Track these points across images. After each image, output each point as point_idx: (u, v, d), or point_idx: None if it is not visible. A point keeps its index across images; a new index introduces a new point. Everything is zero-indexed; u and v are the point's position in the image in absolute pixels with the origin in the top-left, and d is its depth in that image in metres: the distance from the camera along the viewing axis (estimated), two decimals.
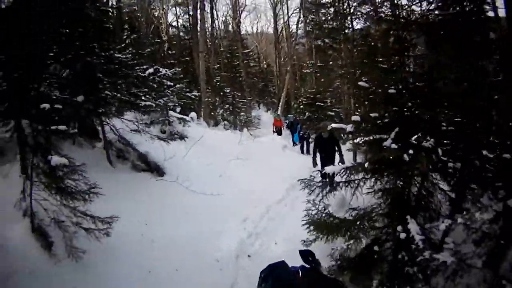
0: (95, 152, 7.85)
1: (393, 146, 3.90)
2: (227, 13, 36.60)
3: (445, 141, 4.00)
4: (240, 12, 35.61)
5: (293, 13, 30.35)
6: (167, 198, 7.26)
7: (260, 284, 2.40)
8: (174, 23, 32.29)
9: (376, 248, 4.20)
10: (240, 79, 30.35)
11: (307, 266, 2.52)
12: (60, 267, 4.38)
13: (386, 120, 4.26)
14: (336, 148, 9.71)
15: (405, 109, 4.14)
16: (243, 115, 22.71)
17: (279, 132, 19.23)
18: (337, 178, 4.81)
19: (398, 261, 4.01)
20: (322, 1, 18.42)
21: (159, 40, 22.80)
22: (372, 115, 4.29)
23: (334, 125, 7.98)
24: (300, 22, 29.00)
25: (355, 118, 4.60)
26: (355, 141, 5.02)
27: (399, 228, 3.95)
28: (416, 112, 4.10)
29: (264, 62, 44.17)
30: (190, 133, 11.45)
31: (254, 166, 10.87)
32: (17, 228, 4.40)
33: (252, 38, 44.51)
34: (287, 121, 19.28)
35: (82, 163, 4.82)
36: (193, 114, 14.82)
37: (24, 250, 4.26)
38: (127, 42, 13.30)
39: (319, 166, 9.08)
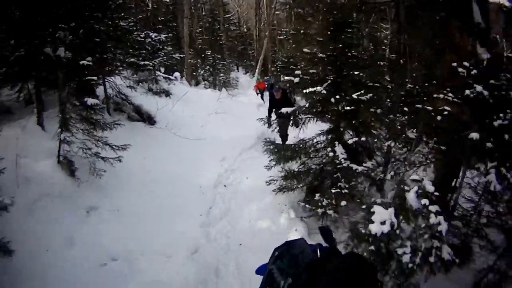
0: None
1: (323, 92, 5.51)
2: None
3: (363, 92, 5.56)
4: None
5: None
6: (159, 141, 8.76)
7: (274, 262, 2.26)
8: None
9: (317, 167, 5.88)
10: (221, 42, 31.18)
11: (324, 245, 2.31)
12: (81, 188, 5.70)
13: (320, 75, 5.92)
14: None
15: (337, 68, 5.77)
16: (222, 76, 23.78)
17: (262, 94, 20.01)
18: None
19: (334, 177, 5.63)
20: None
21: (149, 8, 23.49)
22: (311, 71, 5.95)
23: (286, 77, 9.13)
24: None
25: (298, 72, 6.17)
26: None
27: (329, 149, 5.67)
28: (344, 72, 5.74)
29: (245, 26, 44.42)
30: (175, 91, 12.92)
31: (231, 119, 12.30)
32: (46, 163, 5.61)
33: (234, 2, 44.53)
34: (267, 83, 19.93)
35: None
36: (177, 74, 16.15)
37: (52, 178, 5.48)
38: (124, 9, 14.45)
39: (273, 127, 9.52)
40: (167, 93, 12.49)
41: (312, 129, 6.30)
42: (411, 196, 3.64)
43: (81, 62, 6.52)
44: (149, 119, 9.85)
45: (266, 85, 19.40)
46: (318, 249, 2.18)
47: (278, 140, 8.69)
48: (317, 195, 5.58)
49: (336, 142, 5.65)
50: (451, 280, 4.37)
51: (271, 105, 10.04)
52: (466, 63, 4.55)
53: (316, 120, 6.17)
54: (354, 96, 5.33)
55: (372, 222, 3.58)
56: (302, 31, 6.71)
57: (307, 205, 5.79)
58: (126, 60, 9.74)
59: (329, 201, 5.22)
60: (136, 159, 7.14)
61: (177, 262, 4.83)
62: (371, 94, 5.41)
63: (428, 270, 3.86)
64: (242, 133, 10.42)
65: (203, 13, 35.02)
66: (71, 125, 5.86)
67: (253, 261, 4.66)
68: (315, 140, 6.05)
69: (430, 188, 3.67)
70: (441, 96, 4.53)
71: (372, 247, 3.68)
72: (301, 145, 6.09)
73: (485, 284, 4.20)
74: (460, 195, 4.60)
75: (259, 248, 4.91)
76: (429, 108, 4.58)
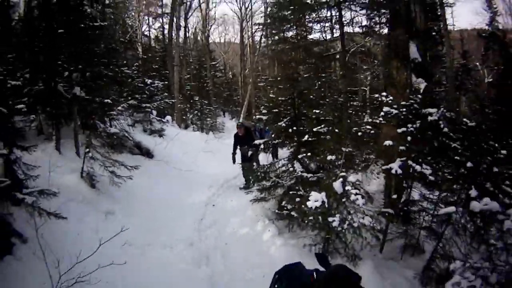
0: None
1: (283, 125, 7.56)
2: (197, 24, 39.25)
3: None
4: (210, 26, 38.28)
5: (257, 29, 32.38)
6: (157, 170, 10.59)
7: (274, 284, 2.52)
8: (146, 33, 34.98)
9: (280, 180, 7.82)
10: (207, 88, 33.26)
11: (321, 269, 2.51)
12: (100, 197, 7.44)
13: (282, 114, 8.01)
14: (251, 149, 10.52)
15: (294, 108, 7.82)
16: (209, 120, 25.71)
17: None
18: None
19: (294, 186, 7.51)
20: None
21: (145, 56, 25.55)
22: (274, 110, 8.08)
23: (258, 116, 11.07)
24: (263, 38, 30.80)
25: (265, 111, 8.32)
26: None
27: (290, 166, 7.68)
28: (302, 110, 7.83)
29: (230, 73, 46.62)
30: (167, 132, 14.96)
31: (217, 157, 14.16)
32: (70, 177, 7.36)
33: (220, 48, 47.08)
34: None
35: None
36: (168, 117, 18.14)
37: (76, 188, 7.17)
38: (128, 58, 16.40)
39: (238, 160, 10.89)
40: (161, 134, 14.46)
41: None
42: (337, 184, 5.51)
43: (97, 99, 8.50)
44: (147, 154, 11.62)
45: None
46: (315, 273, 2.40)
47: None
48: (284, 202, 7.41)
49: (295, 161, 7.60)
50: (403, 266, 6.13)
51: (235, 142, 11.09)
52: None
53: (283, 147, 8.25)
54: (307, 129, 7.45)
55: (303, 196, 5.46)
56: (269, 80, 9.07)
57: (277, 211, 7.58)
58: (128, 102, 11.69)
59: (293, 206, 7.04)
60: (141, 180, 8.90)
61: (178, 251, 6.58)
62: (323, 126, 7.40)
63: (364, 242, 5.75)
64: (226, 168, 11.96)
65: (191, 60, 37.09)
66: (93, 148, 7.78)
67: (235, 254, 6.52)
68: (281, 163, 8.04)
69: (352, 179, 5.58)
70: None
71: (311, 218, 5.58)
72: (271, 167, 8.07)
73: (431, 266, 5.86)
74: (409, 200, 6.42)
75: (240, 246, 6.93)
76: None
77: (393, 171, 5.80)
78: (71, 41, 8.35)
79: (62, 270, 4.03)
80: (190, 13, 31.90)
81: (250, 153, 10.53)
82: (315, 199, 5.49)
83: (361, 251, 5.91)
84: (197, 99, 26.54)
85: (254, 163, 10.70)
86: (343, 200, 5.64)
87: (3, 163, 5.31)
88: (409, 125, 5.95)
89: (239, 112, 33.57)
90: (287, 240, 6.92)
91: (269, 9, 25.83)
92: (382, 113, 6.38)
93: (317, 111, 7.86)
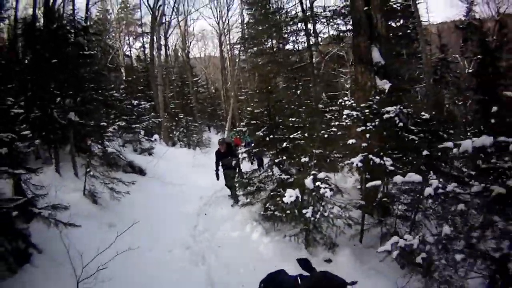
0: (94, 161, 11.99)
1: (261, 134, 8.51)
2: (177, 41, 40.50)
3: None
4: (189, 43, 39.89)
5: (236, 43, 33.41)
6: (151, 186, 11.43)
7: None
8: (128, 52, 36.47)
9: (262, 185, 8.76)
10: (191, 105, 34.21)
11: (305, 273, 2.59)
12: (102, 211, 8.28)
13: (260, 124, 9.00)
14: (233, 159, 10.79)
15: (270, 118, 8.78)
16: (195, 136, 26.57)
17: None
18: None
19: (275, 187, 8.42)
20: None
21: (129, 78, 26.49)
22: (252, 121, 9.03)
23: (238, 128, 12.06)
24: (241, 52, 32.34)
25: (243, 123, 9.34)
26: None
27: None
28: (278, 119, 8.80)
29: (212, 87, 47.99)
30: (156, 150, 15.87)
31: (205, 171, 14.95)
32: (74, 195, 8.18)
33: (200, 63, 48.27)
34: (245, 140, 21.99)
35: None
36: (156, 136, 19.07)
37: (80, 204, 7.98)
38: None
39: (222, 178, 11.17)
40: (150, 152, 15.35)
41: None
42: (308, 181, 6.43)
43: (91, 123, 9.37)
44: (140, 171, 12.47)
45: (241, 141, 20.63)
46: (299, 278, 2.49)
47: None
48: (268, 204, 8.31)
49: (274, 165, 8.56)
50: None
51: (217, 159, 11.26)
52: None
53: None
54: (284, 136, 8.42)
55: (284, 196, 6.37)
56: (249, 93, 10.12)
57: (262, 213, 8.49)
58: (117, 123, 12.54)
59: (275, 206, 7.93)
60: (137, 195, 9.71)
61: (176, 253, 7.43)
62: (299, 132, 8.35)
63: (338, 231, 6.68)
64: (214, 181, 12.11)
65: (173, 78, 38.17)
66: (93, 167, 8.65)
67: (227, 253, 7.39)
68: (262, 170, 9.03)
69: (321, 176, 6.51)
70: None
71: (288, 212, 6.53)
72: (253, 173, 9.04)
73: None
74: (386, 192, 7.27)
75: (232, 246, 7.88)
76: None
77: (354, 165, 6.72)
78: (61, 68, 9.14)
79: (78, 269, 4.82)
80: (169, 32, 33.05)
81: (234, 162, 10.75)
82: (290, 195, 6.40)
83: (336, 238, 6.88)
84: (182, 116, 27.48)
85: (237, 172, 11.20)
86: (314, 193, 6.57)
87: (14, 183, 6.09)
88: (368, 124, 6.89)
89: (224, 126, 34.49)
90: (273, 238, 7.80)
91: (245, 24, 26.97)
92: (344, 116, 7.36)
93: (293, 119, 8.83)
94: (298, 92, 16.19)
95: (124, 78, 29.37)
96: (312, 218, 6.51)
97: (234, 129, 25.50)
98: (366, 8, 8.77)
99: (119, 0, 36.50)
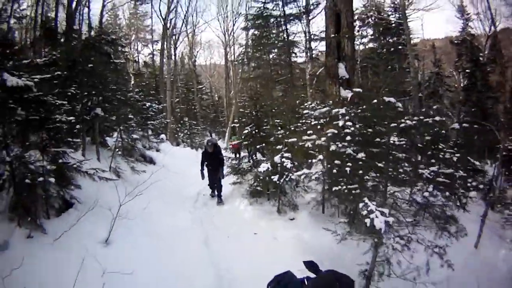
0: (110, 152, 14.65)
1: (248, 130, 11.34)
2: (184, 50, 42.92)
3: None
4: (196, 52, 42.31)
5: (239, 55, 35.62)
6: (160, 172, 13.98)
7: None
8: (135, 58, 38.87)
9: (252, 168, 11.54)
10: (195, 111, 36.99)
11: (311, 275, 2.63)
12: (124, 183, 10.59)
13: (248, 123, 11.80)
14: (219, 162, 11.94)
15: (257, 118, 11.56)
16: (197, 139, 29.31)
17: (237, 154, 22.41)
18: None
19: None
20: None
21: (140, 83, 29.19)
22: (243, 120, 11.83)
23: (232, 124, 14.96)
24: (244, 63, 34.17)
25: (236, 121, 12.13)
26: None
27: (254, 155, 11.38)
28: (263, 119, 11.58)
29: (216, 95, 50.66)
30: (163, 147, 18.68)
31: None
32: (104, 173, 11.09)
33: (206, 71, 51.08)
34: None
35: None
36: (162, 136, 21.86)
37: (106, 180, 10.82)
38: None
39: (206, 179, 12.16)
40: (158, 149, 18.09)
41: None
42: (277, 158, 9.25)
43: (113, 118, 12.11)
44: (151, 161, 15.11)
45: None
46: (305, 279, 2.53)
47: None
48: (254, 183, 10.99)
49: (257, 152, 11.40)
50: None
51: (204, 158, 12.08)
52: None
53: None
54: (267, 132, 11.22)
55: (259, 167, 9.14)
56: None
57: (248, 189, 11.19)
58: (136, 119, 15.25)
59: (258, 184, 10.67)
60: (149, 175, 12.41)
61: (181, 216, 10.06)
62: (280, 129, 11.11)
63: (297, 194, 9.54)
64: None
65: (179, 84, 40.62)
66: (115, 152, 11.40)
67: (220, 219, 10.20)
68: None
69: (286, 155, 9.27)
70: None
71: (261, 177, 9.36)
72: (243, 160, 11.86)
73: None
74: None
75: (223, 215, 10.73)
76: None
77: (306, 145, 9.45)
78: (92, 73, 11.75)
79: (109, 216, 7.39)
80: (179, 43, 35.55)
81: (221, 170, 11.88)
82: (264, 167, 9.32)
83: (297, 200, 10.03)
84: (186, 119, 30.29)
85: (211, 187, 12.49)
86: (279, 166, 9.41)
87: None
88: (322, 121, 9.66)
89: (225, 132, 36.73)
90: (255, 207, 10.49)
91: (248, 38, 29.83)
92: (305, 115, 10.12)
93: (277, 120, 11.65)
94: (285, 99, 19.09)
95: (132, 82, 31.70)
96: (278, 182, 9.38)
97: (235, 136, 28.06)
98: (333, 35, 11.69)
99: (131, 6, 38.69)
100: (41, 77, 7.40)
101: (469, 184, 12.70)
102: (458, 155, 12.88)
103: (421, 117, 6.76)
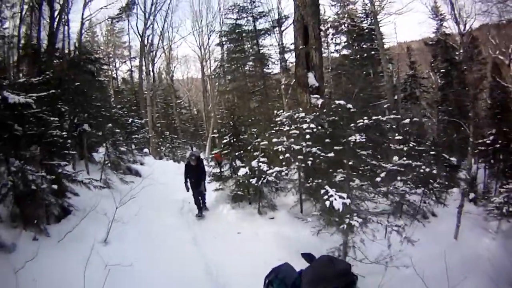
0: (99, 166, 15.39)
1: (227, 139, 12.24)
2: (161, 65, 43.04)
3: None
4: (173, 67, 43.48)
5: (216, 68, 35.73)
6: (147, 183, 14.72)
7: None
8: (113, 75, 39.37)
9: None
10: (175, 125, 37.76)
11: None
12: (114, 192, 11.22)
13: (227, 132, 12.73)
14: (202, 175, 12.24)
15: (235, 129, 12.50)
16: (179, 152, 30.15)
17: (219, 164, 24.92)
18: None
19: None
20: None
21: (112, 97, 29.92)
22: (222, 129, 12.74)
23: (212, 135, 15.97)
24: (220, 76, 34.60)
25: (215, 131, 13.06)
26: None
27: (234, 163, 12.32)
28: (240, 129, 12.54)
29: (195, 109, 51.29)
30: (146, 161, 19.47)
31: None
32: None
33: (183, 86, 51.99)
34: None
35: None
36: (146, 150, 22.67)
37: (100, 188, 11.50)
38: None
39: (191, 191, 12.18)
40: (142, 162, 18.85)
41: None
42: (254, 162, 10.33)
43: (98, 133, 12.91)
44: (136, 173, 15.89)
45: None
46: (303, 271, 2.34)
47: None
48: (235, 188, 11.90)
49: (236, 159, 12.32)
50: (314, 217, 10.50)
51: (186, 172, 12.28)
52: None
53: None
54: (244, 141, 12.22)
55: (239, 172, 10.09)
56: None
57: (229, 194, 12.18)
58: (119, 136, 16.04)
59: (239, 189, 11.60)
60: (137, 185, 13.21)
61: (170, 220, 11.02)
62: (256, 137, 12.01)
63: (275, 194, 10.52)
64: None
65: (158, 100, 41.23)
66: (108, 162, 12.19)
67: (205, 222, 11.03)
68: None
69: (262, 160, 10.20)
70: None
71: (241, 180, 10.48)
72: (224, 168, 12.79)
73: None
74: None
75: (208, 219, 11.85)
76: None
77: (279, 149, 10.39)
78: (80, 91, 12.58)
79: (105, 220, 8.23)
80: (156, 59, 36.59)
81: (203, 184, 12.11)
82: (243, 171, 10.37)
83: (275, 200, 11.03)
84: (167, 134, 31.11)
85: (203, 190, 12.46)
86: (256, 169, 10.37)
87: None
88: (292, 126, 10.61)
89: (205, 145, 36.99)
90: (237, 211, 11.44)
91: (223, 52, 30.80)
92: (278, 121, 11.05)
93: (254, 129, 12.56)
94: (261, 109, 20.13)
95: (112, 99, 32.27)
96: (256, 184, 10.34)
97: (215, 148, 28.95)
98: (301, 47, 12.77)
99: (108, 22, 38.63)
100: (37, 95, 8.19)
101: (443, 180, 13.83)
102: (433, 152, 13.99)
103: (376, 117, 7.61)
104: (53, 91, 9.89)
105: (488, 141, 19.43)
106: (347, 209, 6.59)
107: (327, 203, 6.44)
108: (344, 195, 6.50)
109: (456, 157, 21.77)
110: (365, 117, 7.46)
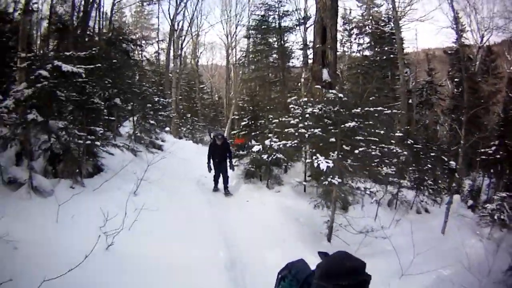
0: (123, 138, 16.74)
1: (246, 121, 13.67)
2: (187, 49, 44.30)
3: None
4: (199, 53, 44.88)
5: (241, 57, 36.79)
6: (168, 157, 16.21)
7: (278, 284, 2.55)
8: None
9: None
10: (197, 108, 39.25)
11: None
12: (140, 159, 12.89)
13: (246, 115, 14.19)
14: (228, 154, 12.55)
15: (254, 112, 13.95)
16: (198, 134, 31.69)
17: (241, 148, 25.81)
18: None
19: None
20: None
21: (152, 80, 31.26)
22: (241, 112, 14.15)
23: (232, 116, 17.62)
24: (245, 65, 35.07)
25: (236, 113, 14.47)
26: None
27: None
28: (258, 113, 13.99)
29: (216, 95, 52.97)
30: (167, 139, 20.98)
31: (205, 157, 20.06)
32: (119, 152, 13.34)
33: (207, 72, 53.33)
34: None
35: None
36: (167, 128, 24.21)
37: (127, 155, 12.61)
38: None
39: (213, 171, 12.79)
40: (163, 139, 20.31)
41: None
42: (267, 141, 11.75)
43: (128, 107, 14.39)
44: (159, 148, 17.30)
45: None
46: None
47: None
48: (249, 165, 13.41)
49: (252, 139, 13.77)
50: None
51: (212, 151, 12.66)
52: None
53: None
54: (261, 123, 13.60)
55: (253, 148, 11.51)
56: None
57: (243, 171, 13.69)
58: (149, 110, 17.52)
59: (252, 165, 13.08)
60: (159, 161, 14.62)
61: (191, 190, 12.41)
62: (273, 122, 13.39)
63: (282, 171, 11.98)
64: None
65: (181, 83, 42.49)
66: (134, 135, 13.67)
67: (219, 195, 12.35)
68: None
69: (275, 139, 11.63)
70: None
71: (254, 156, 12.02)
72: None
73: None
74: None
75: (222, 189, 12.66)
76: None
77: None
78: (116, 68, 14.09)
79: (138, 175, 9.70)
80: (185, 43, 38.28)
81: (228, 161, 12.63)
82: (256, 148, 11.87)
83: (282, 176, 12.56)
84: (189, 116, 32.64)
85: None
86: (268, 147, 11.85)
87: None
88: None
89: (224, 131, 38.14)
90: (248, 185, 13.05)
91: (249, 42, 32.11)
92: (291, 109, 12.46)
93: (271, 116, 14.00)
94: (280, 99, 21.67)
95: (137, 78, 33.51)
96: (267, 160, 12.01)
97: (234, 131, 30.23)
98: (318, 45, 14.26)
99: (137, 4, 40.36)
100: (85, 67, 9.56)
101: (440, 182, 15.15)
102: (433, 154, 15.34)
103: (368, 109, 9.02)
104: (99, 65, 11.26)
105: (490, 151, 20.26)
106: (330, 171, 8.26)
107: (315, 164, 8.22)
108: (330, 160, 8.23)
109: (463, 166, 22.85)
110: (359, 108, 8.83)
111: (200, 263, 6.88)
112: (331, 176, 8.44)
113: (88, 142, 9.34)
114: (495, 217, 13.40)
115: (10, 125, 8.65)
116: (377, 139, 9.14)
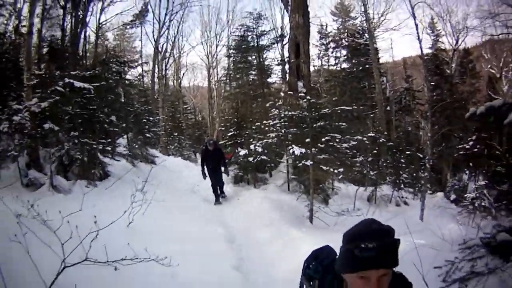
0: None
1: (231, 131, 15.27)
2: (169, 70, 44.62)
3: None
4: (182, 74, 46.61)
5: (222, 76, 40.06)
6: (160, 170, 17.57)
7: (304, 272, 2.54)
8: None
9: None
10: (182, 128, 40.61)
11: None
12: (138, 171, 14.36)
13: (231, 126, 15.87)
14: (222, 161, 12.98)
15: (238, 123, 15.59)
16: (186, 152, 33.10)
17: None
18: None
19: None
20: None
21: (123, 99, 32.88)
22: (227, 124, 15.80)
23: (218, 128, 19.38)
24: (226, 83, 38.26)
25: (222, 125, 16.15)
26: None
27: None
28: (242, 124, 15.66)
29: (199, 115, 54.36)
30: (159, 155, 22.48)
31: (194, 171, 21.26)
32: (122, 161, 14.68)
33: (189, 92, 54.92)
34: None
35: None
36: (156, 148, 25.75)
37: (126, 166, 14.16)
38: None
39: (208, 178, 13.03)
40: (154, 156, 21.75)
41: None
42: (251, 146, 13.37)
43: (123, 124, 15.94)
44: (152, 162, 18.70)
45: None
46: None
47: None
48: (237, 171, 15.00)
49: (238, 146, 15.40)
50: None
51: (204, 157, 12.96)
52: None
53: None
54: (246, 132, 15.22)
55: (240, 153, 13.15)
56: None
57: (232, 176, 15.20)
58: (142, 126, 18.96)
59: (240, 171, 14.67)
60: (155, 169, 15.95)
61: (186, 190, 14.06)
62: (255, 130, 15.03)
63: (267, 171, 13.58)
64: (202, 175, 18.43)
65: (165, 104, 43.65)
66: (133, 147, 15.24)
67: (210, 193, 13.90)
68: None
69: (258, 144, 13.29)
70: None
71: (240, 160, 13.74)
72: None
73: None
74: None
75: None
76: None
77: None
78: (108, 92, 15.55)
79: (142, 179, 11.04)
80: (168, 65, 39.90)
81: (222, 167, 13.03)
82: (243, 152, 13.62)
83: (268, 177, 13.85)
84: (175, 134, 34.17)
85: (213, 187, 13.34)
86: (252, 150, 13.54)
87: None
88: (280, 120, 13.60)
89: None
90: (236, 187, 14.80)
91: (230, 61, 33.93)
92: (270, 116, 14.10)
93: (254, 126, 15.67)
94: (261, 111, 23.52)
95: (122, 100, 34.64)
96: (254, 162, 13.60)
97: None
98: (293, 60, 16.30)
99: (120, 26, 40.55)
100: (92, 84, 11.28)
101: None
102: (408, 152, 17.08)
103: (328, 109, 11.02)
104: (104, 82, 12.82)
105: (467, 146, 21.25)
106: (303, 156, 10.45)
107: (291, 151, 10.37)
108: (303, 148, 10.22)
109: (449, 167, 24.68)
110: (327, 109, 11.04)
111: (206, 237, 8.65)
112: (304, 160, 10.35)
113: (100, 148, 11.33)
114: (476, 205, 14.28)
115: (27, 134, 10.13)
116: (341, 133, 11.42)
